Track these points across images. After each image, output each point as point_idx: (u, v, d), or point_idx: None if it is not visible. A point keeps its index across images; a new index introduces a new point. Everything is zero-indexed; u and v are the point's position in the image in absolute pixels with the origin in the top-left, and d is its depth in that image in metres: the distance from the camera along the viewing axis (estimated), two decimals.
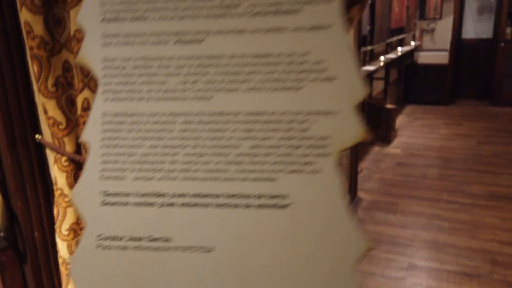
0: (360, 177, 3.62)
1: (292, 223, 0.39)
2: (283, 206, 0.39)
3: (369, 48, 3.62)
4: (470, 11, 6.38)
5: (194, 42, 0.40)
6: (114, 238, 0.41)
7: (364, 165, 3.91)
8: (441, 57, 6.15)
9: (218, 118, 0.40)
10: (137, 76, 0.41)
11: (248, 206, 0.40)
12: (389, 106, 4.52)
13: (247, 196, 0.40)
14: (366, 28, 3.46)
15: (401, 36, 5.18)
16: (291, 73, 0.39)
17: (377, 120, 4.64)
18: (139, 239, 0.40)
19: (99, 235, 0.41)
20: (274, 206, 0.40)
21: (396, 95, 6.42)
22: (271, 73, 0.39)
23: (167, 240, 0.40)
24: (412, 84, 6.43)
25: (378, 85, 4.86)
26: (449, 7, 6.21)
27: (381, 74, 4.81)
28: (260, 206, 0.40)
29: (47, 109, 0.60)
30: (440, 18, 6.41)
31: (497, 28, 6.00)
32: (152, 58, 0.41)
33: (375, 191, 3.31)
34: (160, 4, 0.40)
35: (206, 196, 0.40)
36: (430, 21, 6.49)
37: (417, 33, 6.52)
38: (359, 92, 0.39)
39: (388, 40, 4.50)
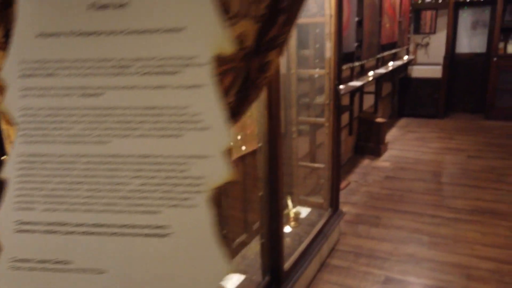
0: (347, 190, 3.68)
1: (171, 249, 0.46)
2: (164, 235, 0.47)
3: (356, 64, 3.70)
4: (464, 26, 6.47)
5: (95, 96, 0.48)
6: (24, 260, 0.48)
7: (353, 178, 3.97)
8: (435, 71, 6.23)
9: (113, 159, 0.48)
10: (48, 123, 0.49)
11: (136, 235, 0.47)
12: (379, 120, 4.59)
13: (135, 226, 0.47)
14: (353, 45, 3.55)
15: (392, 51, 5.27)
16: (174, 123, 0.47)
17: (368, 134, 4.71)
18: (46, 261, 0.48)
19: (12, 258, 0.49)
20: (157, 235, 0.47)
21: (391, 108, 6.49)
22: (157, 122, 0.47)
23: (68, 263, 0.48)
24: (407, 97, 6.50)
25: (369, 99, 4.94)
26: (443, 22, 6.30)
27: (373, 88, 4.89)
28: (146, 235, 0.47)
29: None
30: (434, 32, 6.50)
31: (491, 43, 6.08)
32: (60, 108, 0.49)
33: (360, 204, 3.36)
34: (67, 63, 0.48)
35: (102, 225, 0.48)
36: (424, 36, 6.59)
37: (412, 47, 6.61)
38: (226, 140, 0.47)
39: (378, 56, 4.58)
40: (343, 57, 3.70)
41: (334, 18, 2.38)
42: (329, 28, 2.41)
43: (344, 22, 3.26)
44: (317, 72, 2.71)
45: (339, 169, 2.76)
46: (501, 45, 5.92)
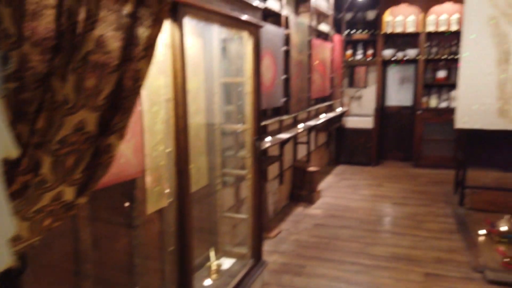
0: (278, 238, 3.77)
1: None
2: None
3: (284, 117, 3.94)
4: (392, 81, 7.09)
5: None
6: None
7: (285, 226, 4.07)
8: (367, 122, 6.69)
9: None
10: None
11: None
12: (311, 168, 4.81)
13: None
14: (280, 100, 3.79)
15: (324, 104, 5.64)
16: None
17: (302, 182, 4.91)
18: None
19: None
20: None
21: (328, 156, 6.82)
22: None
23: None
24: (343, 146, 6.89)
25: (303, 149, 5.19)
26: (374, 77, 6.87)
27: (306, 139, 5.15)
28: None
29: None
30: (366, 87, 7.07)
31: (415, 97, 6.68)
32: None
33: (288, 253, 3.45)
34: None
35: None
36: (357, 89, 7.13)
37: (347, 100, 7.10)
38: (10, 231, 0.54)
39: (309, 109, 4.89)
40: (272, 111, 3.94)
41: (251, 79, 2.58)
42: (248, 87, 2.60)
43: (270, 80, 3.51)
44: (239, 127, 2.86)
45: (261, 220, 2.86)
46: (425, 99, 6.52)
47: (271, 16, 3.82)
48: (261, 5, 2.59)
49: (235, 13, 2.22)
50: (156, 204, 2.20)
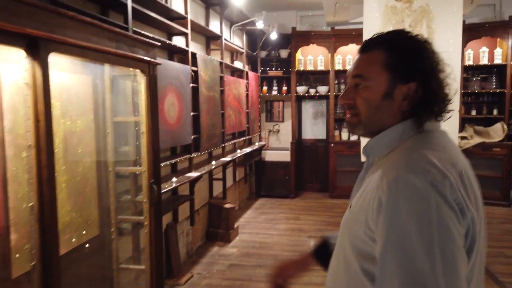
0: (188, 284, 3.53)
1: None
2: None
3: (194, 155, 3.80)
4: (307, 115, 7.36)
5: None
6: None
7: (197, 270, 3.84)
8: (285, 155, 6.80)
9: None
10: None
11: None
12: (227, 205, 4.69)
13: None
14: (189, 137, 3.65)
15: (241, 139, 5.63)
16: None
17: (218, 220, 4.74)
18: None
19: None
20: None
21: (249, 190, 6.77)
22: None
23: None
24: (263, 179, 6.90)
25: (219, 186, 5.06)
26: (290, 112, 7.07)
27: (221, 175, 5.04)
28: None
29: None
30: (283, 121, 7.24)
31: (328, 130, 6.97)
32: None
33: None
34: None
35: None
36: (275, 123, 7.28)
37: (265, 134, 7.19)
38: None
39: (224, 144, 4.82)
40: (181, 149, 3.78)
41: (146, 119, 2.42)
42: (143, 127, 2.43)
43: (175, 117, 3.38)
44: (137, 169, 2.66)
45: (162, 270, 2.63)
46: (336, 132, 6.83)
47: (178, 53, 3.74)
48: (155, 43, 2.48)
49: (121, 51, 2.08)
50: (27, 265, 1.89)
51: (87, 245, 2.41)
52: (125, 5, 2.62)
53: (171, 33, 3.63)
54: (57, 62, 2.14)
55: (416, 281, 0.69)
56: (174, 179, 3.31)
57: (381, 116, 0.90)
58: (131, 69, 2.38)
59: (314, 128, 7.36)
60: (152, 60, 2.42)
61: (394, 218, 0.74)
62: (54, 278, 1.61)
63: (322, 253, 1.14)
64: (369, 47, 0.92)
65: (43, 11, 1.52)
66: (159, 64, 2.51)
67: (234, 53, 5.85)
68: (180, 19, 3.63)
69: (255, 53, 6.63)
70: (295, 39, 6.66)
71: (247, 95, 5.90)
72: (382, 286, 0.74)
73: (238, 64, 5.72)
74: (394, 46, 0.89)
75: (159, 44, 2.50)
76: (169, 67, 3.23)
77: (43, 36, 1.51)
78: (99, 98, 2.50)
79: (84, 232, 2.37)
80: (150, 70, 2.43)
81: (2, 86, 1.73)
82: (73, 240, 2.27)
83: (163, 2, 3.42)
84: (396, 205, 0.74)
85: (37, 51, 1.51)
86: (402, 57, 0.88)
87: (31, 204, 1.61)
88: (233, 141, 5.35)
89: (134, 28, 2.69)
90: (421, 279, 0.69)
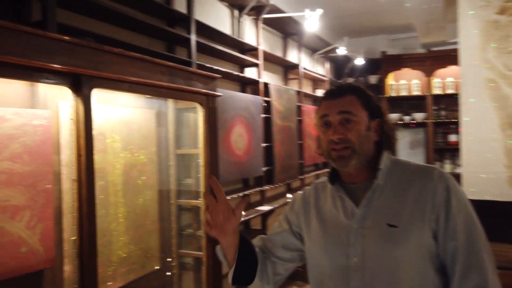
0: None
1: None
2: None
3: (266, 187, 3.66)
4: (403, 145, 6.74)
5: None
6: None
7: None
8: None
9: None
10: None
11: None
12: None
13: None
14: (260, 169, 3.54)
15: (324, 171, 5.34)
16: None
17: None
18: None
19: None
20: None
21: None
22: None
23: None
24: None
25: None
26: None
27: None
28: None
29: None
30: None
31: (427, 162, 6.26)
32: None
33: None
34: None
35: None
36: None
37: None
38: None
39: (303, 176, 4.60)
40: (254, 181, 3.68)
41: (204, 151, 2.37)
42: (202, 160, 2.39)
43: (244, 148, 3.30)
44: (198, 202, 2.61)
45: None
46: (438, 164, 6.09)
47: (251, 84, 3.71)
48: (215, 75, 2.46)
49: (175, 84, 2.08)
50: None
51: (147, 278, 2.39)
52: (189, 40, 2.67)
53: (243, 65, 3.64)
54: (119, 98, 2.24)
55: (483, 236, 1.02)
56: (242, 212, 3.19)
57: (367, 145, 1.08)
58: (195, 102, 2.37)
59: (411, 159, 6.62)
60: (211, 92, 2.39)
61: (462, 195, 1.04)
62: None
63: (245, 246, 1.14)
64: (344, 93, 1.10)
65: (86, 49, 1.57)
66: (219, 96, 2.47)
67: (316, 82, 5.68)
68: (252, 50, 3.63)
69: (341, 81, 6.37)
70: (386, 63, 6.23)
71: None
72: (475, 242, 1.00)
73: (319, 93, 5.53)
74: (361, 92, 1.11)
75: (219, 76, 2.47)
76: (237, 98, 3.20)
77: (84, 73, 1.55)
78: (162, 131, 2.54)
79: (145, 264, 2.36)
80: (208, 102, 2.39)
81: (60, 122, 1.82)
82: (131, 273, 2.26)
83: (235, 36, 3.46)
84: (456, 186, 1.04)
85: (79, 87, 1.56)
86: (369, 100, 1.11)
87: (73, 238, 1.62)
88: (314, 173, 5.09)
89: (197, 62, 2.72)
90: (483, 236, 1.02)
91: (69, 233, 1.87)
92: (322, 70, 5.76)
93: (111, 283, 2.14)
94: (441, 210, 1.00)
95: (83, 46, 1.56)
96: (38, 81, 1.48)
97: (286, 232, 1.21)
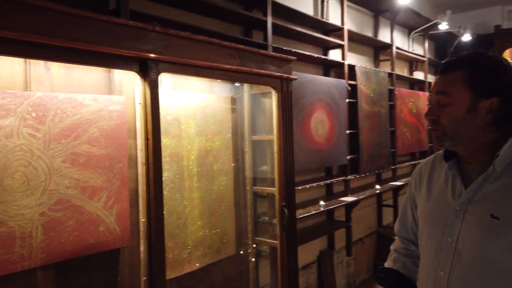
0: None
1: None
2: None
3: (350, 177, 3.43)
4: None
5: None
6: None
7: None
8: None
9: None
10: None
11: None
12: None
13: None
14: (343, 158, 3.34)
15: (418, 162, 4.85)
16: None
17: (388, 252, 4.15)
18: None
19: None
20: None
21: None
22: None
23: None
24: None
25: (390, 213, 4.46)
26: None
27: (392, 201, 4.44)
28: None
29: None
30: None
31: None
32: None
33: None
34: None
35: None
36: None
37: None
38: None
39: (396, 166, 4.23)
40: (338, 170, 3.48)
41: (277, 137, 2.27)
42: (275, 146, 2.30)
43: (325, 135, 3.12)
44: (273, 190, 2.53)
45: None
46: None
47: (335, 67, 3.49)
48: (289, 57, 2.33)
49: (246, 68, 2.01)
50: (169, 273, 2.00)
51: (223, 263, 2.41)
52: (265, 23, 2.58)
53: (326, 47, 3.43)
54: (194, 84, 2.26)
55: None
56: (322, 202, 3.04)
57: (467, 128, 0.99)
58: (269, 86, 2.29)
59: None
60: (285, 75, 2.28)
61: None
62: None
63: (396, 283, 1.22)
64: (451, 68, 1.03)
65: (152, 33, 1.57)
66: (294, 79, 2.35)
67: (413, 63, 5.16)
68: (336, 31, 3.39)
69: (443, 61, 5.69)
70: (500, 39, 5.40)
71: None
72: None
73: (418, 75, 5.01)
74: (475, 66, 1.00)
75: (293, 58, 2.34)
76: (318, 82, 3.02)
77: (151, 57, 1.56)
78: (237, 117, 2.51)
79: (218, 250, 2.38)
80: (283, 86, 2.28)
81: (136, 107, 1.89)
82: (206, 257, 2.30)
83: (318, 16, 3.27)
84: None
85: (146, 72, 1.57)
86: (483, 75, 0.98)
87: (143, 220, 1.67)
88: (409, 163, 4.66)
89: (274, 45, 2.62)
90: None
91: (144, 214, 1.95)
92: (420, 49, 5.20)
93: (186, 265, 2.19)
94: None
95: (149, 31, 1.57)
96: (107, 66, 1.54)
97: (412, 214, 1.24)
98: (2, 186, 1.45)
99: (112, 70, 1.78)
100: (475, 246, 0.98)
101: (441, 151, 1.14)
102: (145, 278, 1.65)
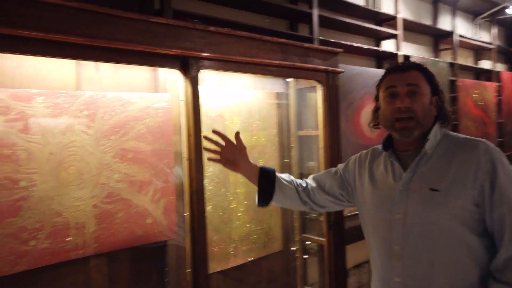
0: None
1: None
2: None
3: None
4: None
5: None
6: None
7: None
8: None
9: None
10: None
11: None
12: None
13: None
14: None
15: None
16: None
17: None
18: None
19: None
20: None
21: None
22: None
23: None
24: None
25: None
26: None
27: None
28: None
29: None
30: None
31: None
32: None
33: None
34: None
35: None
36: None
37: None
38: None
39: None
40: None
41: (323, 132, 2.22)
42: (321, 142, 2.24)
43: (377, 130, 2.98)
44: None
45: None
46: None
47: (388, 58, 3.33)
48: (336, 50, 2.26)
49: (288, 62, 1.98)
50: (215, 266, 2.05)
51: (269, 258, 2.40)
52: (311, 15, 2.52)
53: (379, 37, 3.28)
54: (238, 80, 2.27)
55: None
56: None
57: (428, 118, 1.18)
58: (313, 80, 2.24)
59: None
60: (330, 68, 2.21)
61: (508, 167, 1.10)
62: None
63: (266, 177, 1.45)
64: (407, 68, 1.20)
65: (192, 31, 1.60)
66: (341, 72, 2.27)
67: (479, 51, 4.76)
68: (389, 20, 3.23)
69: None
70: None
71: (499, 101, 4.67)
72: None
73: (484, 64, 4.62)
74: (424, 69, 1.22)
75: (340, 50, 2.25)
76: (369, 75, 2.90)
77: (191, 54, 1.59)
78: (283, 112, 2.48)
79: (265, 245, 2.38)
80: (328, 80, 2.22)
81: (180, 104, 1.94)
82: (252, 252, 2.31)
83: (368, 6, 3.14)
84: (502, 158, 1.11)
85: (187, 70, 1.61)
86: (431, 77, 1.23)
87: (186, 214, 1.72)
88: None
89: (320, 38, 2.55)
90: None
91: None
92: (487, 36, 4.79)
93: (232, 259, 2.22)
94: (485, 180, 1.07)
95: (190, 29, 1.59)
96: (150, 65, 1.59)
97: (335, 179, 1.43)
98: (58, 179, 1.57)
99: (157, 68, 1.85)
100: (422, 216, 1.13)
101: (377, 146, 1.34)
102: (189, 270, 1.69)
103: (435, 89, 1.21)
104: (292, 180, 1.47)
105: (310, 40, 2.51)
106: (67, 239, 1.58)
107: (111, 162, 1.70)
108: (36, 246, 1.51)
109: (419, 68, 1.21)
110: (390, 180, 1.22)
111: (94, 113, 1.65)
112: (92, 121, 1.65)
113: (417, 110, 1.15)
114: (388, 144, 1.27)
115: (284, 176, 1.47)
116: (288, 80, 2.45)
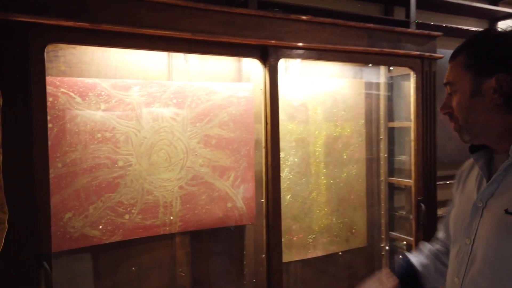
0: None
1: None
2: None
3: None
4: None
5: None
6: None
7: None
8: None
9: None
10: None
11: None
12: None
13: None
14: None
15: None
16: None
17: None
18: None
19: None
20: None
21: None
22: None
23: None
24: None
25: None
26: None
27: None
28: None
29: None
30: None
31: None
32: None
33: None
34: None
35: None
36: None
37: None
38: None
39: None
40: None
41: (415, 123, 2.05)
42: (412, 134, 2.09)
43: None
44: (409, 182, 2.30)
45: None
46: None
47: None
48: (434, 33, 2.05)
49: (375, 48, 1.87)
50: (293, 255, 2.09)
51: (352, 252, 2.33)
52: None
53: (493, 18, 2.88)
54: (324, 69, 2.21)
55: None
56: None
57: (475, 114, 0.90)
58: (406, 67, 2.08)
59: None
60: (426, 54, 2.02)
61: None
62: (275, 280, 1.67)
63: (406, 275, 1.12)
64: (455, 54, 0.93)
65: (272, 20, 1.61)
66: (439, 57, 2.06)
67: None
68: None
69: None
70: None
71: None
72: None
73: None
74: (472, 46, 0.91)
75: (439, 34, 2.05)
76: None
77: (270, 44, 1.61)
78: (372, 102, 2.36)
79: (347, 239, 2.32)
80: (424, 66, 2.04)
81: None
82: (333, 245, 2.26)
83: None
84: None
85: (266, 58, 1.63)
86: (481, 52, 0.88)
87: (262, 200, 1.76)
88: None
89: (417, 21, 2.34)
90: None
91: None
92: None
93: (311, 249, 2.21)
94: None
95: (269, 18, 1.61)
96: (231, 55, 1.65)
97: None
98: (149, 161, 1.73)
99: (241, 58, 1.90)
100: (487, 247, 0.87)
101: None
102: (263, 255, 1.74)
103: (487, 69, 0.87)
104: (429, 255, 1.18)
105: (406, 24, 2.32)
106: (156, 216, 1.75)
107: (196, 147, 1.82)
108: (130, 220, 1.70)
109: (464, 48, 0.92)
110: (475, 192, 0.96)
111: (183, 101, 1.78)
112: (180, 109, 1.78)
113: (455, 114, 0.94)
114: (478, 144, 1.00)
115: (422, 259, 1.18)
116: (379, 67, 2.31)
